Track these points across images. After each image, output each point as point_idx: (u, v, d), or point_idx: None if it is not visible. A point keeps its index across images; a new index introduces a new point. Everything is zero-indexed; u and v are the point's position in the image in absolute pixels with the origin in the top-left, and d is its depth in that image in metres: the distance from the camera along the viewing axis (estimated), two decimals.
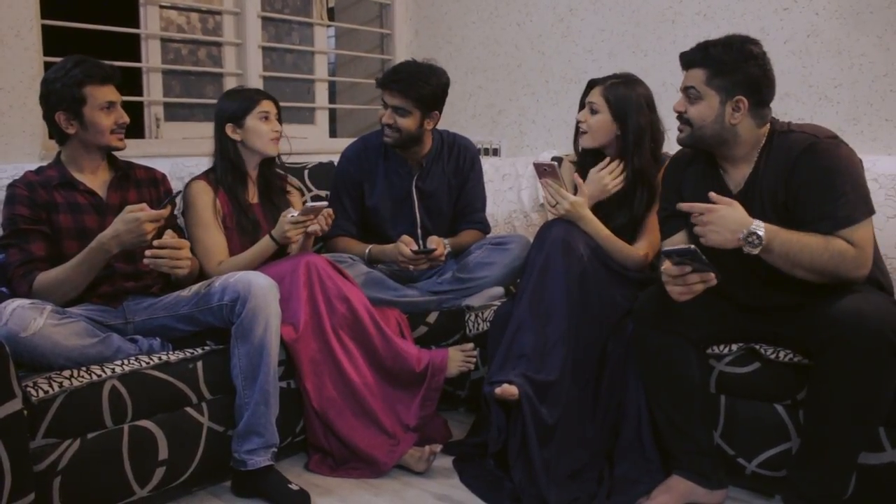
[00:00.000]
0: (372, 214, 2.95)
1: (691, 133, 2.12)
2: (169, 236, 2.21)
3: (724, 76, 2.05)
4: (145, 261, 2.18)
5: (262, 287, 2.21)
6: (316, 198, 3.15)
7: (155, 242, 2.16)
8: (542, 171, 2.42)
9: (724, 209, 1.95)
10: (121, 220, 2.14)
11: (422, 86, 2.74)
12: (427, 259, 2.70)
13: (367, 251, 2.84)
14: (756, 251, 1.91)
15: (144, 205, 2.17)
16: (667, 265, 1.96)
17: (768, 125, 2.12)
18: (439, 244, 2.73)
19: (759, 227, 1.90)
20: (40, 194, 2.25)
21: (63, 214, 2.27)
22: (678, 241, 2.24)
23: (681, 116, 2.14)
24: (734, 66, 2.04)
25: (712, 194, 2.00)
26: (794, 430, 2.09)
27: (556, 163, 2.44)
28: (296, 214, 2.45)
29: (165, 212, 2.21)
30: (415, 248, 2.70)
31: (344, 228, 2.91)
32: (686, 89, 2.12)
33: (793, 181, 2.02)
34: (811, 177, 1.99)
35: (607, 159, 2.53)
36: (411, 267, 2.72)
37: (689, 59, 2.12)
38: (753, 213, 2.03)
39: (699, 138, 2.12)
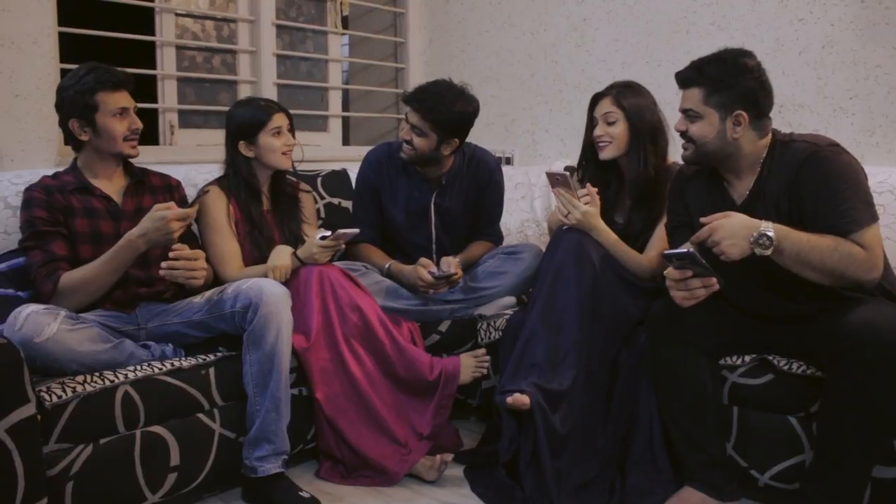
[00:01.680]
0: (388, 223, 2.94)
1: (695, 150, 2.13)
2: (180, 248, 2.22)
3: (721, 93, 2.06)
4: (161, 272, 2.19)
5: (274, 294, 2.21)
6: (328, 206, 3.16)
7: (170, 254, 2.18)
8: (555, 180, 2.42)
9: (724, 221, 1.94)
10: (149, 219, 2.17)
11: (443, 111, 2.67)
12: (446, 283, 2.68)
13: (386, 267, 2.81)
14: (768, 252, 1.89)
15: (172, 203, 2.21)
16: (669, 269, 1.97)
17: (770, 136, 2.12)
18: (457, 266, 2.69)
19: (768, 227, 1.89)
20: (57, 198, 2.27)
21: (79, 219, 2.28)
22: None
23: (684, 135, 2.15)
24: (730, 81, 2.05)
25: (703, 219, 1.99)
26: (807, 443, 2.08)
27: (567, 172, 2.44)
28: (328, 236, 2.44)
29: (192, 211, 2.26)
30: (434, 270, 2.67)
31: (368, 235, 2.88)
32: (685, 111, 2.13)
33: (795, 190, 2.02)
34: (814, 184, 1.99)
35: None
36: (430, 291, 2.70)
37: (684, 79, 2.13)
38: None
39: (703, 155, 2.13)
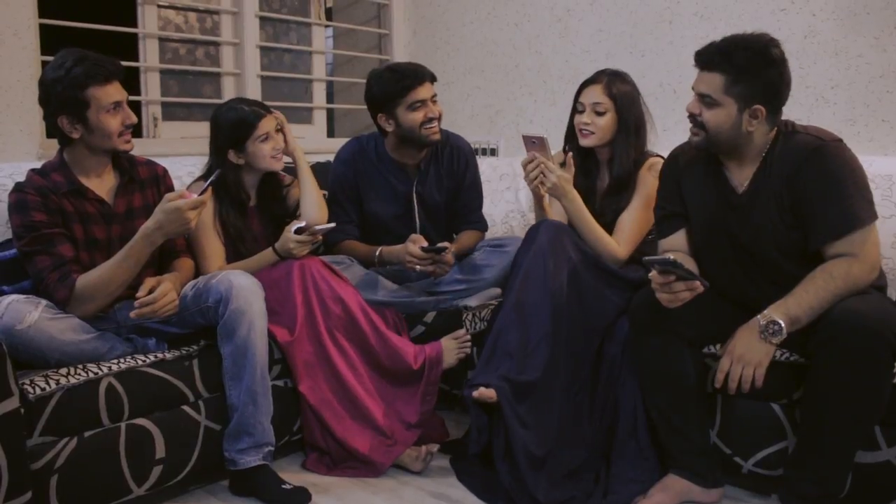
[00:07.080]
0: (371, 219, 2.91)
1: (706, 138, 2.06)
2: (148, 286, 2.14)
3: (745, 84, 1.97)
4: (132, 314, 2.12)
5: (244, 287, 2.19)
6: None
7: (136, 302, 2.11)
8: (531, 143, 2.39)
9: (736, 345, 1.96)
10: (162, 211, 2.10)
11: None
12: (433, 261, 2.63)
13: (377, 253, 2.77)
14: (784, 336, 1.91)
15: (184, 191, 2.16)
16: (653, 273, 1.95)
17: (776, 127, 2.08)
18: (450, 251, 2.66)
19: (775, 326, 1.91)
20: (52, 200, 2.16)
21: (75, 224, 2.20)
22: (678, 241, 2.24)
23: (694, 119, 2.07)
24: (756, 72, 1.96)
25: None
26: (790, 429, 2.09)
27: (545, 136, 2.38)
28: (303, 228, 2.42)
29: (206, 197, 2.18)
30: (425, 244, 2.62)
31: (347, 232, 2.86)
32: (702, 95, 2.04)
33: (798, 184, 1.99)
34: (818, 180, 1.97)
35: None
36: (417, 267, 2.63)
37: (707, 61, 2.02)
38: (758, 215, 2.02)
39: (714, 143, 2.07)
